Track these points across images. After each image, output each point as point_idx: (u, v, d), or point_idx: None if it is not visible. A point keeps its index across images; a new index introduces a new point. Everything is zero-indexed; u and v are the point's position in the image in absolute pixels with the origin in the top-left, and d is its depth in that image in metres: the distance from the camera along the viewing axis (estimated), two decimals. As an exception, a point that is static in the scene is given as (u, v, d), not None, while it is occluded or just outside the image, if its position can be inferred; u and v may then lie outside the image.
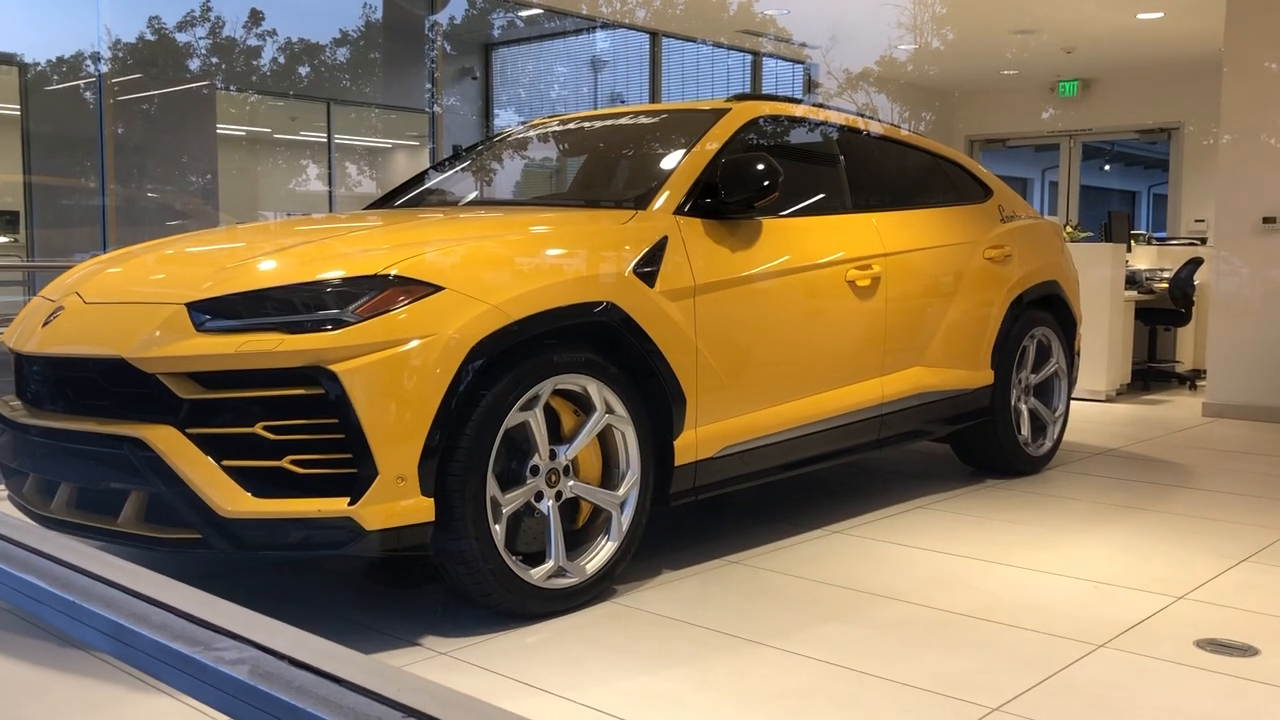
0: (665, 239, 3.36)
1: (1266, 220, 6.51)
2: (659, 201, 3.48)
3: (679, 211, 3.48)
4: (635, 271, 3.23)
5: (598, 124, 4.53)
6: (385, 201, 4.47)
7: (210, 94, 10.49)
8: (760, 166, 3.53)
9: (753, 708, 2.49)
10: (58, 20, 9.38)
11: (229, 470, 2.67)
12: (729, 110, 3.94)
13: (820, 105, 4.48)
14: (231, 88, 10.72)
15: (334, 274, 2.83)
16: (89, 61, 9.46)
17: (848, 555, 3.70)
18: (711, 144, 3.73)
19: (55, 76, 9.54)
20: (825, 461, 4.03)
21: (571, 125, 4.55)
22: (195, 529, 2.68)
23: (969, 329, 4.56)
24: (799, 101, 4.37)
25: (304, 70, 11.20)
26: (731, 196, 3.54)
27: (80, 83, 9.55)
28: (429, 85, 10.77)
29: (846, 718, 2.44)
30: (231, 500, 2.65)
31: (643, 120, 4.34)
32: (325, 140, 11.69)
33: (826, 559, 3.65)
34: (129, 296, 3.01)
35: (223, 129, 10.95)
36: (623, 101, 12.82)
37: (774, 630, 2.96)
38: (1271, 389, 6.51)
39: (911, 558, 3.68)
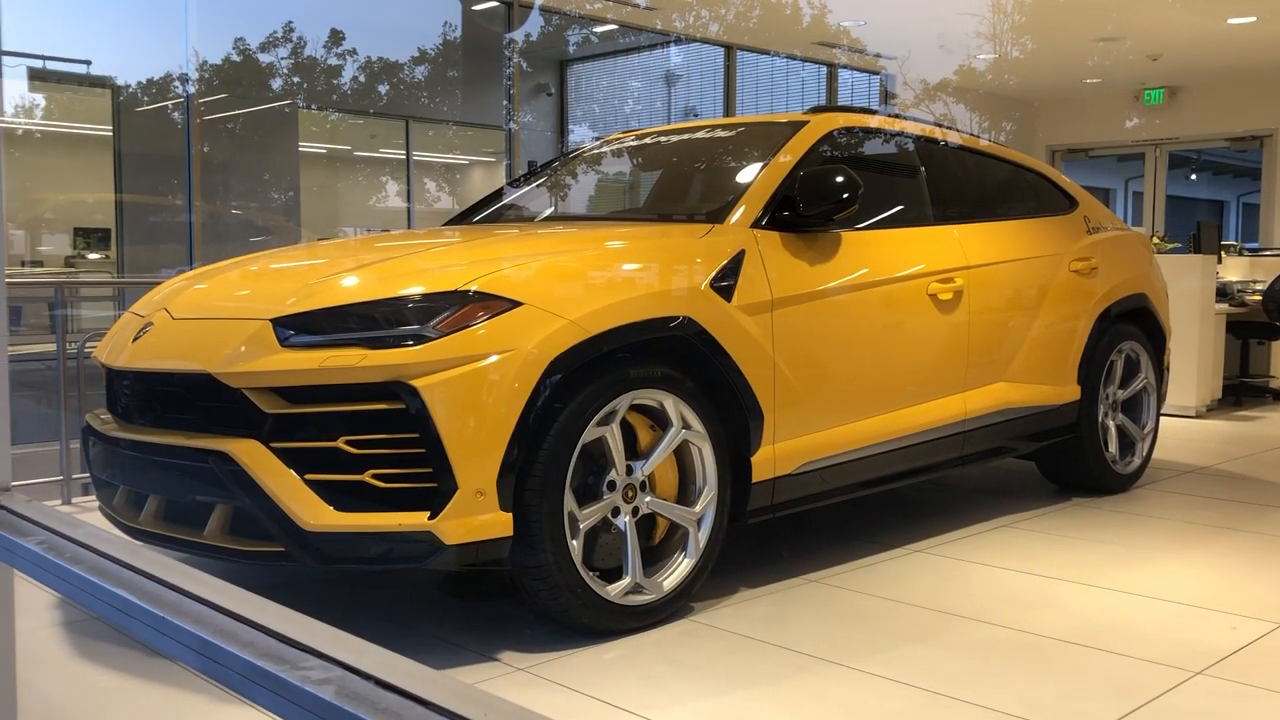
0: (742, 252, 3.33)
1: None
2: (736, 215, 3.46)
3: (756, 225, 3.46)
4: (712, 285, 3.21)
5: (674, 138, 4.52)
6: (463, 218, 4.51)
7: (292, 113, 10.73)
8: (839, 179, 3.49)
9: (834, 730, 2.44)
10: (148, 44, 9.66)
11: (311, 484, 2.70)
12: (807, 123, 3.90)
13: (899, 116, 4.42)
14: (313, 106, 10.94)
15: (415, 290, 2.86)
16: (177, 83, 9.73)
17: (930, 575, 3.62)
18: (789, 156, 3.70)
19: (145, 98, 9.83)
20: (906, 479, 3.96)
21: (648, 140, 4.55)
22: (278, 542, 2.72)
23: (1054, 343, 4.45)
24: (876, 113, 4.31)
25: (383, 89, 11.39)
26: (810, 209, 3.50)
27: (169, 103, 9.82)
28: (505, 102, 10.87)
29: (931, 743, 2.38)
30: (314, 514, 2.68)
31: (720, 134, 4.32)
32: (404, 157, 11.88)
33: (908, 579, 3.57)
34: (215, 312, 3.06)
35: (304, 147, 11.18)
36: (696, 115, 12.82)
37: (854, 651, 2.90)
38: (1374, 405, 6.26)
39: (996, 578, 3.60)
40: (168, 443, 2.88)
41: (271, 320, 2.81)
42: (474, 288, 2.82)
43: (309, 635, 1.14)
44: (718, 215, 3.48)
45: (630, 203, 4.58)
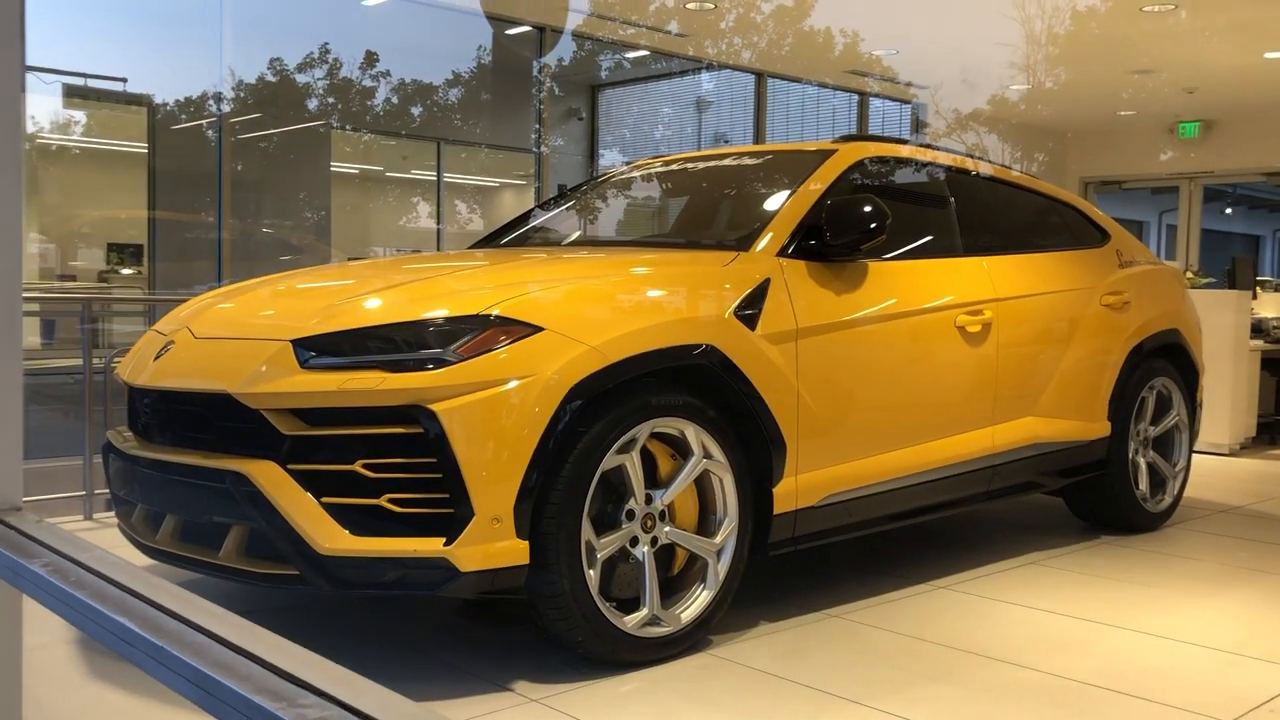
0: (768, 281, 3.29)
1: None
2: (762, 243, 3.42)
3: (782, 253, 3.42)
4: (736, 314, 3.17)
5: (702, 164, 4.50)
6: (491, 240, 4.50)
7: (326, 133, 10.81)
8: (867, 208, 3.45)
9: (852, 772, 2.38)
10: (184, 62, 9.77)
11: (328, 507, 2.67)
12: (835, 151, 3.87)
13: (929, 146, 4.38)
14: (346, 127, 11.03)
15: (436, 313, 2.84)
16: (211, 101, 9.84)
17: (954, 612, 3.55)
18: (817, 185, 3.67)
19: (182, 115, 9.93)
20: (932, 513, 3.90)
21: (675, 166, 4.53)
22: (293, 565, 2.69)
23: (1085, 378, 4.38)
24: (906, 142, 4.27)
25: (416, 110, 11.47)
26: (837, 238, 3.47)
27: (203, 122, 9.93)
28: (536, 126, 10.92)
29: (952, 788, 2.31)
30: (330, 537, 2.66)
31: (747, 161, 4.30)
32: (435, 179, 11.94)
33: (931, 616, 3.51)
34: (237, 332, 3.06)
35: (337, 167, 11.27)
36: (727, 142, 12.82)
37: (876, 690, 2.84)
38: None
39: (1022, 617, 3.52)
40: (186, 462, 2.87)
41: (292, 341, 2.80)
42: (495, 312, 2.80)
43: (308, 670, 1.11)
44: (744, 243, 3.45)
45: (657, 228, 4.56)
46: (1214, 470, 6.40)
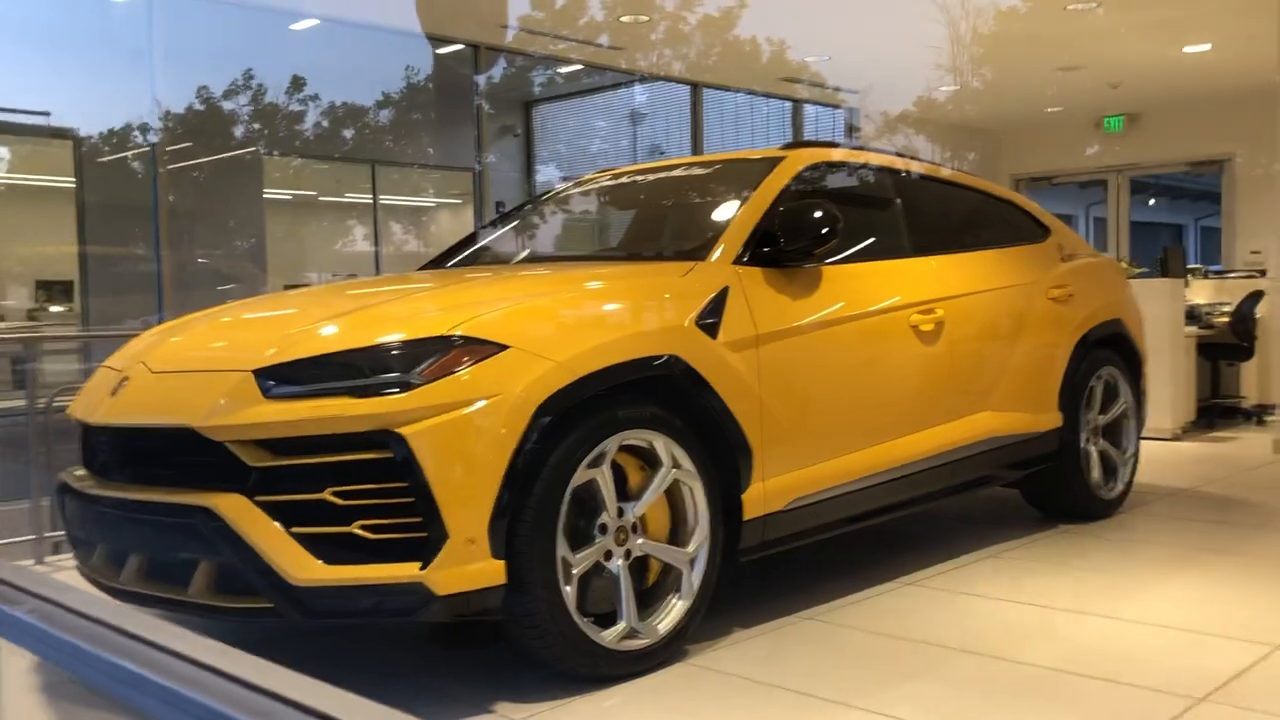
0: (726, 289, 3.31)
1: (1331, 250, 6.37)
2: (717, 252, 3.44)
3: (738, 261, 3.44)
4: (698, 323, 3.19)
5: (650, 177, 4.52)
6: (438, 262, 4.47)
7: (256, 159, 10.67)
8: (818, 214, 3.49)
9: (842, 773, 2.40)
10: (110, 93, 9.59)
11: (299, 537, 2.63)
12: (783, 158, 3.90)
13: (874, 150, 4.43)
14: (274, 152, 10.89)
15: (399, 336, 2.81)
16: (137, 133, 9.67)
17: (924, 608, 3.59)
18: (767, 192, 3.70)
19: (106, 148, 9.75)
20: (895, 511, 3.94)
21: (624, 179, 4.54)
22: (267, 598, 2.65)
23: (1035, 371, 4.46)
24: (854, 147, 4.33)
25: (348, 133, 11.37)
26: (791, 245, 3.50)
27: (129, 154, 9.75)
28: (475, 144, 10.87)
29: (942, 782, 2.34)
30: (302, 568, 2.61)
31: (696, 171, 4.32)
32: (370, 201, 11.83)
33: (902, 613, 3.54)
34: (195, 365, 3.00)
35: (269, 194, 11.12)
36: (663, 153, 12.87)
37: (857, 690, 2.86)
38: (1346, 423, 6.33)
39: (990, 609, 3.57)
40: (149, 499, 2.81)
41: (254, 371, 2.75)
42: (459, 332, 2.78)
43: (333, 704, 1.09)
44: (699, 253, 3.47)
45: (608, 243, 4.57)
46: (1159, 455, 6.54)
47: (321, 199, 12.55)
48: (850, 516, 3.71)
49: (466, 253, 4.47)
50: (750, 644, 3.26)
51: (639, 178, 4.53)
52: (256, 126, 10.60)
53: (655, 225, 4.35)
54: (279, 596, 2.63)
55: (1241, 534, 4.55)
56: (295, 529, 2.64)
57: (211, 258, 10.29)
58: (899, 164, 4.45)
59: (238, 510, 2.65)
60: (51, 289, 9.84)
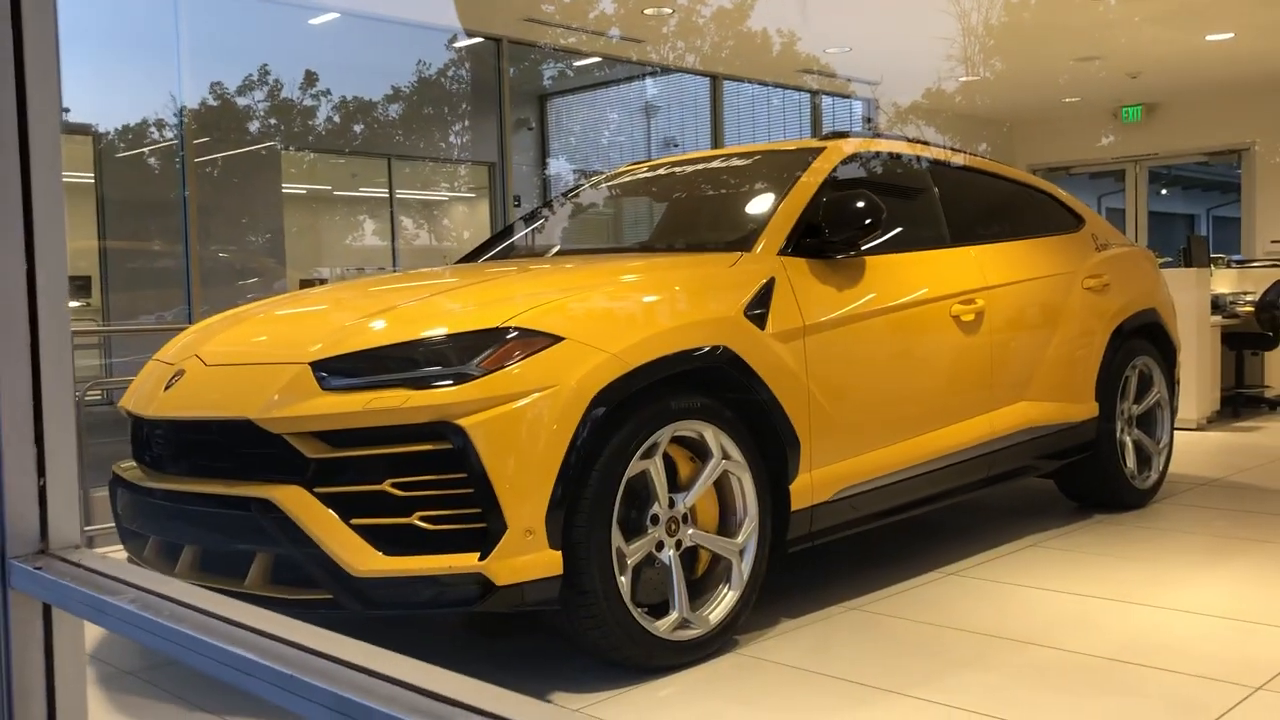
0: (773, 280, 3.32)
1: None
2: (763, 243, 3.45)
3: (783, 252, 3.45)
4: (746, 314, 3.19)
5: (689, 168, 4.52)
6: (475, 255, 4.48)
7: (273, 154, 10.69)
8: (861, 204, 3.49)
9: (906, 761, 2.41)
10: (131, 89, 9.62)
11: (358, 529, 2.65)
12: (824, 149, 3.91)
13: (912, 140, 4.43)
14: (292, 148, 10.91)
15: (455, 329, 2.82)
16: (153, 129, 9.70)
17: (967, 598, 3.60)
18: (810, 183, 3.70)
19: (122, 144, 9.78)
20: (938, 502, 3.94)
21: (663, 170, 4.54)
22: (326, 589, 2.66)
23: (1071, 361, 4.46)
24: (890, 137, 4.33)
25: (358, 128, 11.38)
26: (835, 235, 3.50)
27: (145, 149, 9.77)
28: (496, 137, 10.86)
29: (1006, 770, 2.35)
30: (362, 559, 2.63)
31: (735, 162, 4.32)
32: (387, 195, 11.85)
33: (946, 602, 3.55)
34: (251, 358, 3.01)
35: (287, 188, 11.14)
36: (677, 146, 12.87)
37: (908, 679, 2.87)
38: (1376, 412, 6.31)
39: (1034, 599, 3.58)
40: (206, 491, 2.83)
41: (311, 364, 2.76)
42: (516, 324, 2.79)
43: (451, 687, 1.10)
44: (744, 244, 3.47)
45: (649, 235, 4.57)
46: (1186, 445, 6.53)
47: (337, 193, 12.57)
48: (893, 507, 3.71)
49: (501, 247, 4.47)
50: (798, 634, 3.27)
51: (676, 169, 4.53)
52: (273, 121, 10.62)
53: (695, 217, 4.35)
54: (338, 587, 2.65)
55: (1273, 522, 4.55)
56: (354, 520, 2.65)
57: (229, 252, 10.32)
58: (937, 153, 4.45)
59: (296, 501, 2.66)
60: (71, 284, 9.86)
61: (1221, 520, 4.63)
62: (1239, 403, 7.75)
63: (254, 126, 10.53)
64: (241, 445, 2.80)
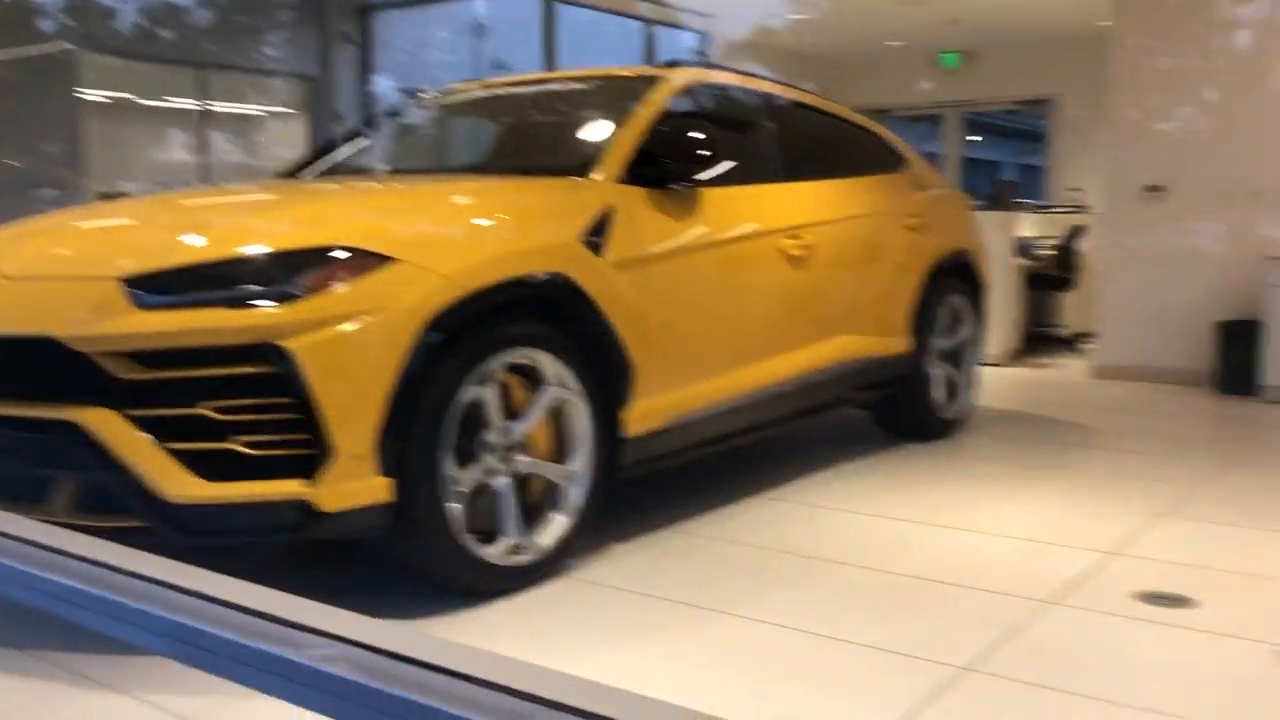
0: (610, 208, 3.30)
1: (1149, 188, 6.80)
2: (602, 170, 3.42)
3: (620, 180, 3.43)
4: (584, 241, 3.18)
5: (525, 90, 4.43)
6: (297, 171, 4.29)
7: (68, 56, 9.93)
8: (700, 134, 3.51)
9: (730, 677, 2.49)
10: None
11: (175, 454, 2.53)
12: (664, 78, 3.89)
13: (748, 74, 4.46)
14: (91, 50, 10.15)
15: (280, 246, 2.70)
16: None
17: (788, 521, 3.74)
18: (648, 111, 3.68)
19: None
20: (764, 430, 4.06)
21: (497, 91, 4.44)
22: (141, 516, 2.54)
23: (890, 297, 4.64)
24: (727, 69, 4.35)
25: (167, 34, 10.67)
26: (672, 165, 3.51)
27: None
28: (308, 50, 10.38)
29: (825, 682, 2.46)
30: (179, 485, 2.52)
31: (572, 87, 4.26)
32: (197, 107, 11.19)
33: (768, 525, 3.68)
34: (56, 272, 2.81)
35: (85, 94, 10.38)
36: (507, 69, 12.60)
37: (732, 598, 2.97)
38: (1157, 350, 6.83)
39: (849, 522, 3.74)
40: (7, 414, 2.64)
41: (123, 279, 2.60)
42: (345, 243, 2.69)
43: (297, 612, 1.07)
44: (582, 169, 3.43)
45: (481, 157, 4.45)
46: (991, 380, 6.92)
47: (142, 103, 11.80)
48: (721, 435, 3.80)
49: (324, 164, 4.30)
50: (628, 557, 3.33)
51: (510, 91, 4.44)
52: (69, 22, 9.84)
53: (531, 141, 4.27)
54: (153, 515, 2.53)
55: (1069, 451, 4.89)
56: (170, 445, 2.53)
57: (23, 161, 9.58)
58: (771, 88, 4.50)
59: (106, 425, 2.52)
60: None
61: (1020, 449, 4.94)
62: (1039, 341, 8.25)
63: (47, 25, 9.74)
64: (46, 365, 2.62)
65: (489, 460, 2.93)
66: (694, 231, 3.58)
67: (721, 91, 4.26)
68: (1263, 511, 3.85)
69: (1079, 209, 8.90)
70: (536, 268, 3.01)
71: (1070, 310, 8.50)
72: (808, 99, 4.73)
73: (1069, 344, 8.42)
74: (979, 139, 15.95)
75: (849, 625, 2.79)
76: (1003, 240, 7.44)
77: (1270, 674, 2.51)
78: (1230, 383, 6.38)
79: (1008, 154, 22.00)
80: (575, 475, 3.14)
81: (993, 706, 2.35)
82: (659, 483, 4.16)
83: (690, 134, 3.50)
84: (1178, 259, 6.80)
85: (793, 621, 2.81)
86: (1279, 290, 6.11)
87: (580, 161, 3.49)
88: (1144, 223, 6.89)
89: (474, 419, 2.90)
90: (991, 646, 2.64)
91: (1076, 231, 8.01)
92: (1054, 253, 7.95)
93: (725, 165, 3.78)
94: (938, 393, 4.99)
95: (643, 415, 3.36)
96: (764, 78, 4.60)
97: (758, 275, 3.88)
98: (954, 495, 4.09)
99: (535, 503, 3.13)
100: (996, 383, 6.71)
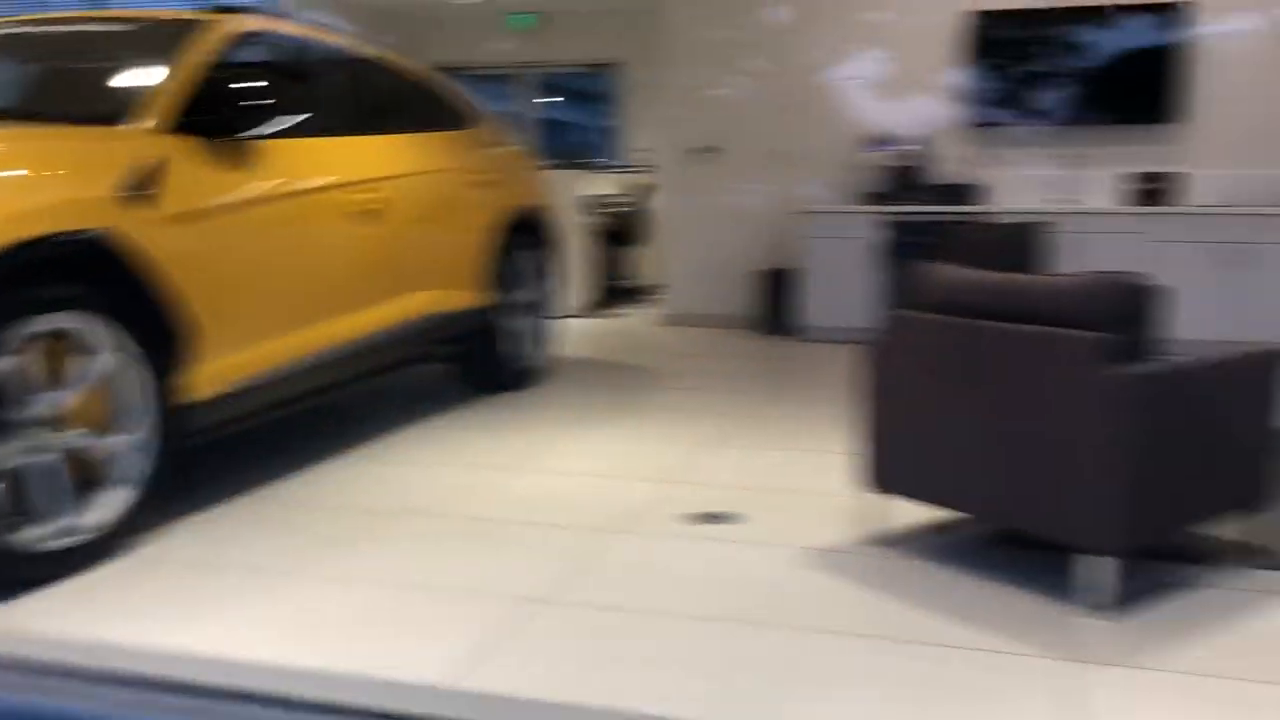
0: (160, 160, 3.09)
1: (703, 149, 7.40)
2: (149, 119, 3.18)
3: (170, 130, 3.21)
4: (129, 195, 2.95)
5: (53, 29, 4.00)
6: None
7: None
8: (257, 84, 3.38)
9: (310, 637, 2.47)
10: None
11: None
12: (215, 22, 3.67)
13: (313, 24, 4.32)
14: None
15: None
16: None
17: (371, 478, 3.73)
18: (199, 58, 3.46)
19: None
20: (340, 388, 4.01)
21: (22, 29, 3.97)
22: None
23: (465, 252, 4.72)
24: (293, 19, 4.19)
25: None
26: (227, 115, 3.35)
27: None
28: None
29: (404, 630, 2.51)
30: None
31: (114, 28, 3.91)
32: None
33: (351, 484, 3.65)
34: None
35: None
36: (45, 6, 11.27)
37: (313, 561, 2.94)
38: (715, 298, 7.49)
39: (433, 474, 3.81)
40: None
41: None
42: None
43: None
44: (122, 118, 3.18)
45: (2, 102, 3.95)
46: (571, 331, 7.24)
47: None
48: (296, 395, 3.71)
49: None
50: (205, 527, 3.18)
51: (41, 29, 3.99)
52: None
53: (63, 85, 3.86)
54: None
55: (637, 394, 5.26)
56: None
57: None
58: (339, 41, 4.39)
59: None
60: None
61: (593, 394, 5.24)
62: (617, 293, 8.73)
63: None
64: None
65: (30, 435, 2.67)
66: (258, 185, 3.45)
67: (284, 41, 4.10)
68: (798, 435, 4.36)
69: (649, 169, 9.47)
70: (74, 224, 2.76)
71: (645, 264, 9.06)
72: (377, 54, 4.67)
73: (643, 295, 8.99)
74: (560, 99, 16.49)
75: (429, 572, 2.86)
76: (575, 198, 7.79)
77: (800, 572, 2.88)
78: (775, 325, 7.13)
79: (589, 116, 22.93)
80: (135, 445, 2.95)
81: (563, 633, 2.51)
82: (240, 448, 4.00)
83: (251, 84, 3.35)
84: (729, 215, 7.48)
85: (375, 576, 2.83)
86: (812, 241, 6.88)
87: (119, 109, 3.21)
88: (700, 182, 7.49)
89: (9, 391, 2.63)
90: (564, 577, 2.81)
91: (647, 190, 8.53)
92: (625, 210, 8.42)
93: (290, 118, 3.66)
94: (515, 345, 5.16)
95: (210, 378, 3.21)
96: (331, 29, 4.48)
97: (326, 230, 3.80)
98: (532, 440, 4.27)
99: (91, 479, 2.90)
100: (575, 333, 7.04)
